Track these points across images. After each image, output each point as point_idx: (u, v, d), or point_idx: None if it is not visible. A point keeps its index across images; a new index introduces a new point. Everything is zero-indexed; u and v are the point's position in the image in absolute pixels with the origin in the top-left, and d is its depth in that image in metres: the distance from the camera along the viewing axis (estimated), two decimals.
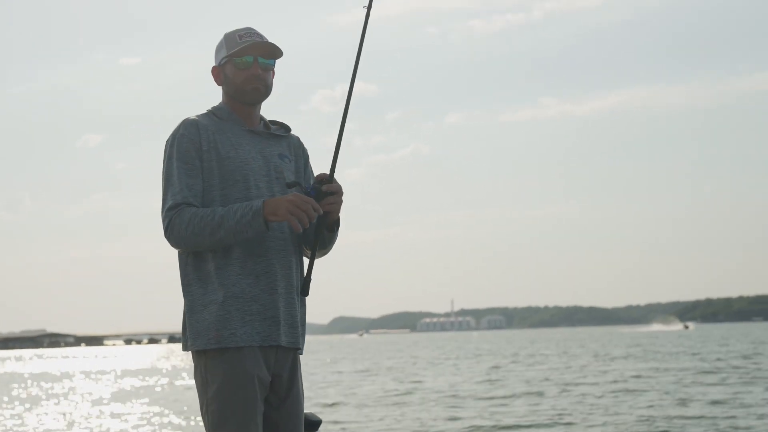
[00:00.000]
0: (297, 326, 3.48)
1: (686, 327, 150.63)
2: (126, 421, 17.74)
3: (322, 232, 3.48)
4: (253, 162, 3.48)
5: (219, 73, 3.57)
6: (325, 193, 3.40)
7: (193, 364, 3.49)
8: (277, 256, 3.44)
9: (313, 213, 3.31)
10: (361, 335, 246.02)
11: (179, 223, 3.35)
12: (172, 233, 3.37)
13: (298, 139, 3.69)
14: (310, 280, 3.49)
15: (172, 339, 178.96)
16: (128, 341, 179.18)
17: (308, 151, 3.71)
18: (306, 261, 3.56)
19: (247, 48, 3.48)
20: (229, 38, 3.53)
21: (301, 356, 3.58)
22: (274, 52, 3.53)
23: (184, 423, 16.96)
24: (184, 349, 3.47)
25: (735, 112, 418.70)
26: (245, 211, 3.31)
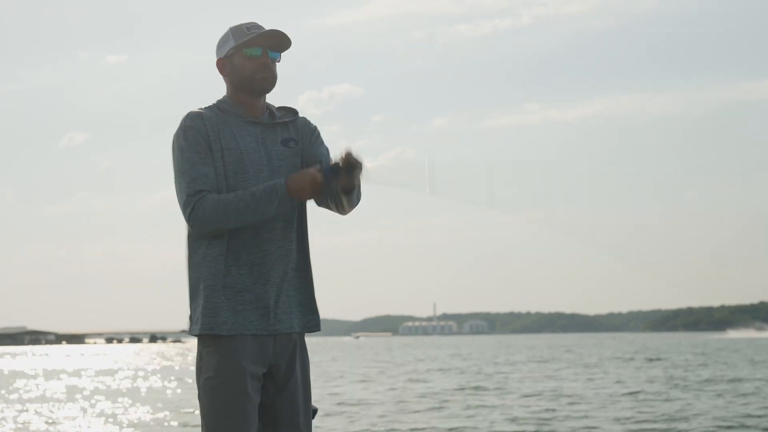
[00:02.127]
0: (292, 312, 3.51)
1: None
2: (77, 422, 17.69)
3: (339, 196, 3.44)
4: (253, 153, 3.52)
5: (225, 65, 3.59)
6: (344, 169, 3.37)
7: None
8: (270, 246, 3.48)
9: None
10: (357, 338, 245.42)
11: (202, 210, 3.39)
12: (196, 219, 3.41)
13: (304, 119, 3.69)
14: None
15: (153, 338, 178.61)
16: (109, 340, 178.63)
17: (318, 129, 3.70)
18: (310, 240, 3.60)
19: (256, 38, 3.52)
20: (237, 30, 3.57)
21: (312, 333, 3.59)
22: (282, 43, 3.57)
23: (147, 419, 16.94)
24: (189, 333, 3.52)
25: (719, 121, 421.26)
26: (271, 196, 3.38)
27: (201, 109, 3.56)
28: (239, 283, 3.44)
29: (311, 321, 3.58)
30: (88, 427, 16.11)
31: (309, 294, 3.59)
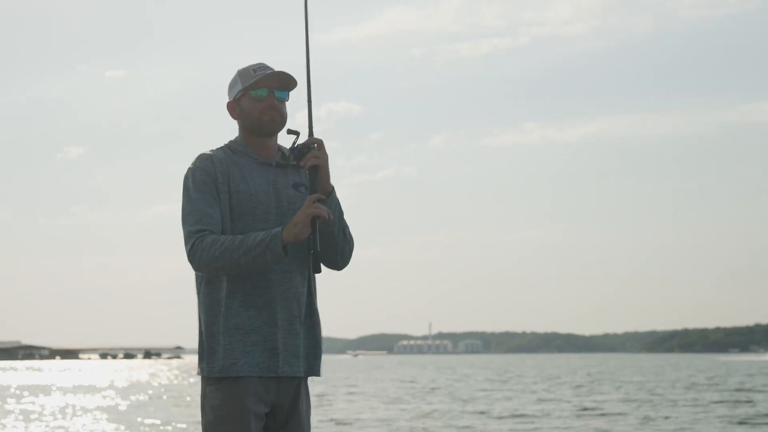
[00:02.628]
0: (299, 355, 3.54)
1: None
2: None
3: (314, 189, 3.49)
4: (263, 195, 3.56)
5: (234, 108, 3.64)
6: (308, 147, 3.48)
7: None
8: (279, 288, 3.52)
9: (325, 209, 3.40)
10: (356, 356, 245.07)
11: (201, 247, 3.44)
12: (194, 256, 3.46)
13: None
14: (319, 254, 3.46)
15: (147, 354, 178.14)
16: (104, 355, 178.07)
17: None
18: (318, 284, 3.64)
19: (262, 80, 3.57)
20: (243, 73, 3.62)
21: (319, 377, 3.63)
22: (289, 83, 3.61)
23: None
24: (198, 374, 3.56)
25: (719, 143, 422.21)
26: (265, 235, 3.40)
27: (212, 150, 3.61)
28: (247, 324, 3.48)
29: (314, 366, 3.61)
30: None
31: (316, 339, 3.63)
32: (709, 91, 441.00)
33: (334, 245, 3.57)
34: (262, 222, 3.52)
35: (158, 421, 21.43)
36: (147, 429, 19.57)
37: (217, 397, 3.46)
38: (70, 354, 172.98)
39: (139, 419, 22.32)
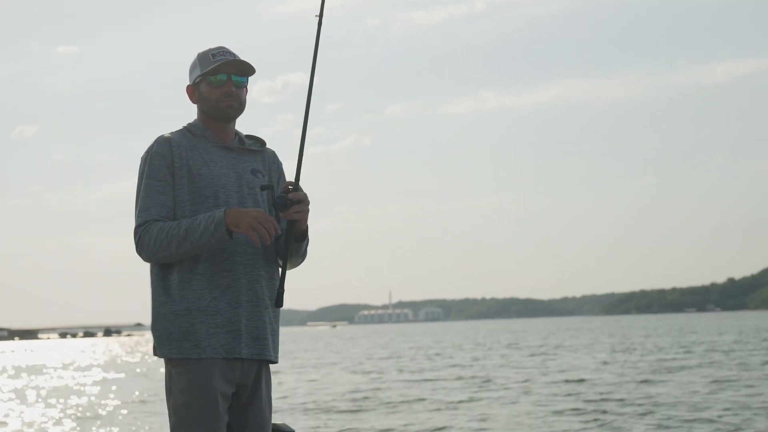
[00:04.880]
0: (263, 338, 3.59)
1: None
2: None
3: (291, 243, 3.58)
4: (224, 178, 3.60)
5: (194, 92, 3.68)
6: (292, 202, 3.51)
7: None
8: (243, 270, 3.56)
9: (273, 232, 3.44)
10: (335, 326, 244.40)
11: (147, 238, 3.49)
12: (141, 249, 3.52)
13: (273, 153, 3.79)
14: (283, 291, 3.59)
15: (107, 332, 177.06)
16: (63, 335, 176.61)
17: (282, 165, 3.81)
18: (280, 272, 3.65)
19: (220, 66, 3.60)
20: (203, 57, 3.64)
21: (276, 364, 3.68)
22: (247, 70, 3.64)
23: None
24: (155, 354, 3.59)
25: (674, 106, 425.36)
26: (208, 222, 3.43)
27: (171, 133, 3.64)
28: (212, 306, 3.51)
29: (275, 352, 3.67)
30: None
31: (276, 324, 3.68)
32: (665, 54, 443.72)
33: (291, 252, 3.62)
34: (224, 205, 3.55)
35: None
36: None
37: (184, 379, 3.50)
38: (29, 334, 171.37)
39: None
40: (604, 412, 14.47)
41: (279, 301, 3.60)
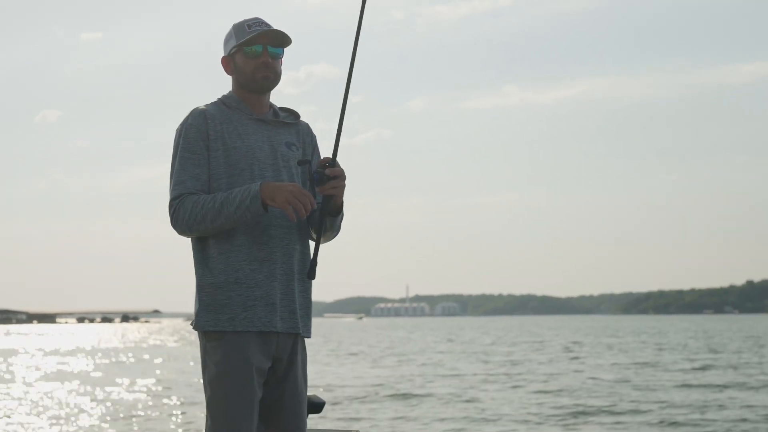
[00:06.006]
0: (296, 312, 3.55)
1: None
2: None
3: (325, 217, 3.53)
4: (259, 151, 3.55)
5: (229, 63, 3.62)
6: (329, 177, 3.46)
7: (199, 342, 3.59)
8: (279, 243, 3.51)
9: (309, 207, 3.40)
10: (361, 318, 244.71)
11: (182, 212, 3.44)
12: (176, 222, 3.47)
13: (307, 125, 3.74)
14: (316, 263, 3.54)
15: (125, 318, 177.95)
16: (81, 319, 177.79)
17: (316, 138, 3.77)
18: (312, 245, 3.61)
19: (256, 37, 3.54)
20: (238, 28, 3.59)
21: (308, 339, 3.66)
22: (283, 41, 3.59)
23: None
24: (193, 327, 3.55)
25: (699, 104, 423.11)
26: (244, 196, 3.39)
27: (206, 105, 3.59)
28: (250, 278, 3.47)
29: (308, 326, 3.63)
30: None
31: (309, 298, 3.64)
32: (691, 52, 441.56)
33: (324, 227, 3.57)
34: (259, 178, 3.51)
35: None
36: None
37: (219, 353, 3.46)
38: (47, 318, 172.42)
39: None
40: None
41: (312, 273, 3.55)
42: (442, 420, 13.87)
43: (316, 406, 3.75)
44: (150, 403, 17.05)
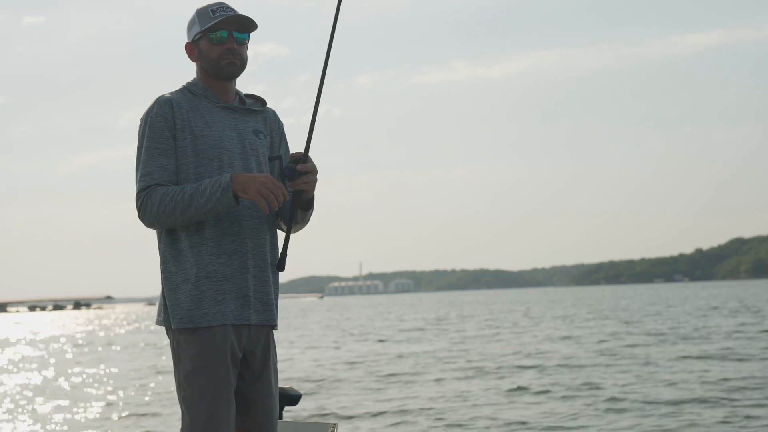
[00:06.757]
0: (270, 303, 3.51)
1: None
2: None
3: (296, 210, 3.49)
4: (227, 140, 3.48)
5: (193, 49, 3.55)
6: (300, 172, 3.41)
7: (168, 338, 3.52)
8: (250, 234, 3.46)
9: (281, 198, 3.34)
10: (322, 297, 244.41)
11: (150, 204, 3.37)
12: (144, 215, 3.40)
13: (273, 113, 3.68)
14: (286, 255, 3.51)
15: (77, 305, 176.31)
16: (32, 308, 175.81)
17: (283, 125, 3.71)
18: (281, 236, 3.58)
19: (221, 22, 3.47)
20: (202, 13, 3.51)
21: (276, 332, 3.62)
22: (249, 26, 3.52)
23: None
24: (157, 323, 3.50)
25: (644, 76, 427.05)
26: (214, 188, 3.33)
27: (171, 93, 3.51)
28: (221, 272, 3.42)
29: (275, 318, 3.58)
30: None
31: (278, 289, 3.60)
32: (636, 24, 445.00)
33: (295, 219, 3.54)
34: (228, 168, 3.45)
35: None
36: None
37: (194, 347, 3.40)
38: None
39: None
40: None
41: (281, 265, 3.52)
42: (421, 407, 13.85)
43: (293, 398, 3.72)
44: (100, 391, 16.90)
